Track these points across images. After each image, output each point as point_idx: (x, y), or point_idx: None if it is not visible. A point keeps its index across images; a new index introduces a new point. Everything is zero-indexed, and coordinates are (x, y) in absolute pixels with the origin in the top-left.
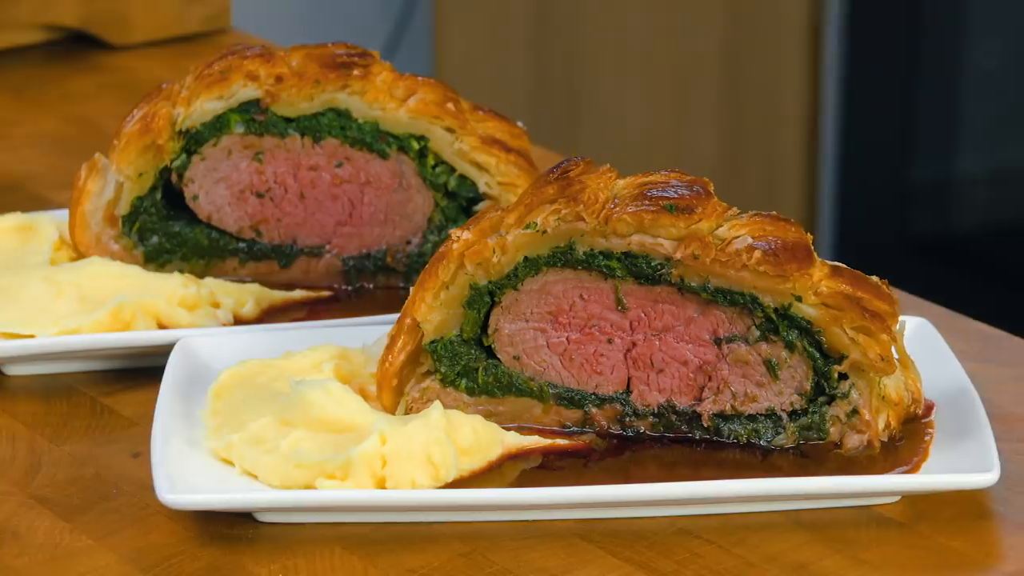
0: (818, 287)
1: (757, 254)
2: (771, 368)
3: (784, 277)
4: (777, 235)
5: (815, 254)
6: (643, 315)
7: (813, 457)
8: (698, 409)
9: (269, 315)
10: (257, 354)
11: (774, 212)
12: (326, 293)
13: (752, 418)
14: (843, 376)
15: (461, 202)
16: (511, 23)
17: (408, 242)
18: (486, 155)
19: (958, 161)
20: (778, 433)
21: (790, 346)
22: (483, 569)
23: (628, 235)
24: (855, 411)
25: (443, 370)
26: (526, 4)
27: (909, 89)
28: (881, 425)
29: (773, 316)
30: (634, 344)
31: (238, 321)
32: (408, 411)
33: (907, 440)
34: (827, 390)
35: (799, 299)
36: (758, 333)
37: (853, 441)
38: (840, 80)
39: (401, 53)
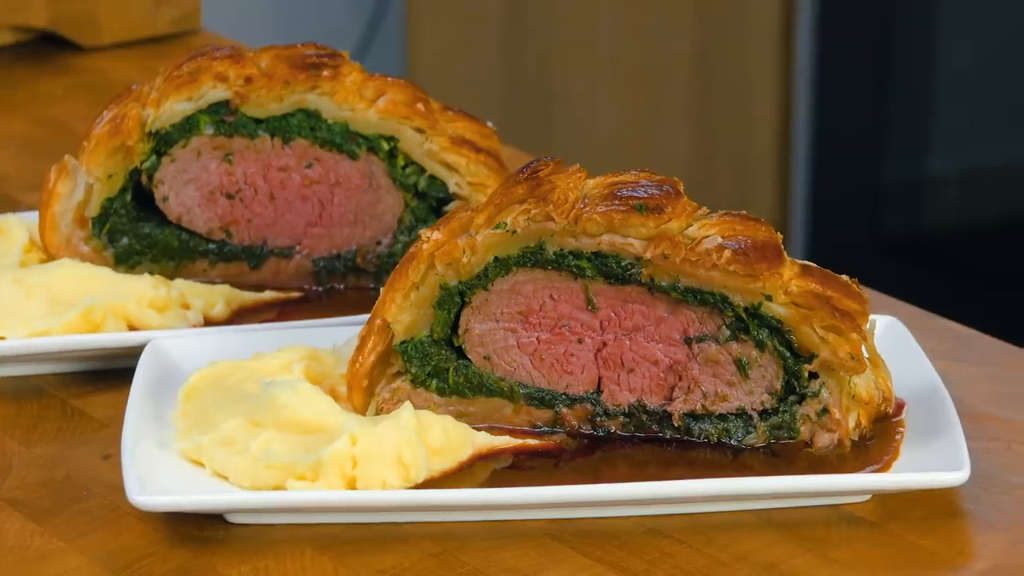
0: (788, 286)
1: (727, 253)
2: (741, 367)
3: (754, 276)
4: (747, 234)
5: (785, 253)
6: (613, 315)
7: (784, 456)
8: (669, 409)
9: (239, 316)
10: (227, 355)
11: (744, 212)
12: (296, 294)
13: (723, 417)
14: (813, 375)
15: (431, 202)
16: (483, 24)
17: (378, 243)
18: (456, 155)
19: (930, 161)
20: (749, 432)
21: (760, 345)
22: (454, 569)
23: (598, 235)
24: (825, 410)
25: (413, 371)
26: (498, 5)
27: (881, 89)
28: (851, 424)
29: (743, 315)
30: (604, 344)
31: (208, 322)
32: (379, 412)
33: (878, 439)
34: (797, 389)
35: (769, 298)
36: (728, 332)
37: (824, 440)
38: (812, 80)
39: (373, 54)
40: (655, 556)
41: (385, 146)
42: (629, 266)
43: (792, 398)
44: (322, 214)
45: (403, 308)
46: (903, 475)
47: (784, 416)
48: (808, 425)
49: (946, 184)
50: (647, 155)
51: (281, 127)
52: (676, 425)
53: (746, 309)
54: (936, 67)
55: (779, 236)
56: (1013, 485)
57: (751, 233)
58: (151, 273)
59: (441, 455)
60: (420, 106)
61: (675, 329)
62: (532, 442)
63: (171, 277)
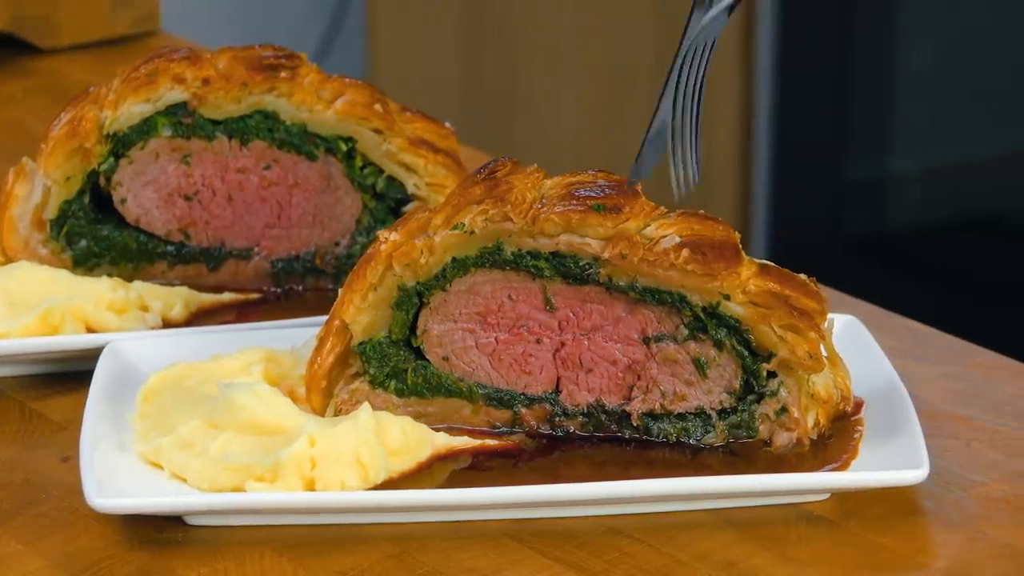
0: (746, 285)
1: (685, 253)
2: (700, 367)
3: (712, 276)
4: (705, 234)
5: (743, 252)
6: (571, 315)
7: (743, 455)
8: (627, 408)
9: (198, 318)
10: (186, 357)
11: (702, 211)
12: (255, 295)
13: (681, 417)
14: (772, 374)
15: (389, 203)
16: (444, 25)
17: (337, 244)
18: (414, 156)
19: (891, 160)
20: (707, 432)
21: (718, 345)
22: (413, 570)
23: (556, 235)
24: (784, 409)
25: (372, 371)
26: (459, 6)
27: (842, 89)
28: (810, 423)
29: (701, 315)
30: (563, 344)
31: (167, 324)
32: (337, 413)
33: (836, 437)
34: (756, 388)
35: (727, 297)
36: (686, 332)
37: (782, 439)
38: (773, 80)
39: (334, 55)
40: (614, 556)
41: (343, 147)
42: (587, 266)
43: (751, 397)
44: (280, 215)
45: (361, 309)
46: (862, 474)
47: (743, 415)
48: (767, 424)
49: (907, 183)
50: (608, 155)
51: (239, 128)
52: (635, 425)
53: (704, 308)
54: (897, 67)
55: (737, 235)
56: (972, 483)
57: (709, 232)
58: (109, 275)
59: (400, 456)
60: (378, 107)
61: (633, 329)
62: (491, 442)
63: (129, 279)
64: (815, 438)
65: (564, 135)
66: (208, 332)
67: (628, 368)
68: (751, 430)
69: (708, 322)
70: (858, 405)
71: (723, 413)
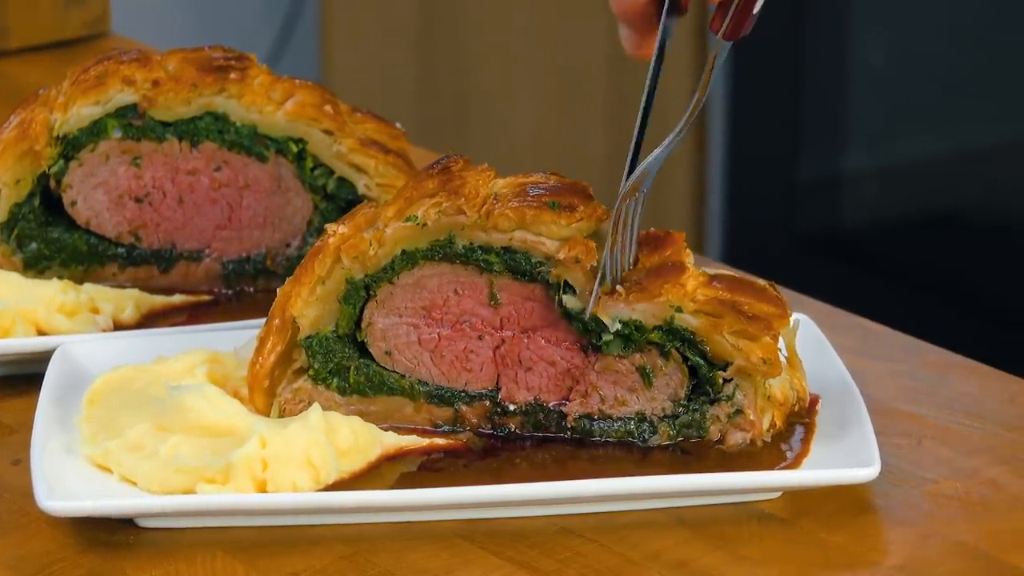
0: (694, 296)
1: (620, 290)
2: (645, 375)
3: (656, 294)
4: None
5: (688, 264)
6: (514, 312)
7: (694, 454)
8: (564, 410)
9: (149, 320)
10: (137, 359)
11: (652, 229)
12: (206, 297)
13: (623, 420)
14: (726, 379)
15: (340, 204)
16: (398, 26)
17: (287, 245)
18: (364, 157)
19: (846, 158)
20: (653, 433)
21: (665, 354)
22: (365, 571)
23: (509, 230)
24: (739, 411)
25: (316, 366)
26: (412, 7)
27: (795, 87)
28: (766, 424)
29: (654, 336)
30: (503, 341)
31: (118, 327)
32: (282, 413)
33: (788, 436)
34: (712, 394)
35: (679, 310)
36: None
37: (736, 438)
38: (726, 78)
39: (288, 56)
40: (566, 555)
41: (294, 148)
42: (539, 264)
43: (703, 399)
44: (231, 217)
45: (309, 303)
46: (813, 471)
47: (694, 415)
48: (718, 425)
49: (862, 181)
50: (563, 155)
51: (189, 130)
52: (571, 426)
53: (658, 327)
54: (850, 63)
55: (686, 252)
56: (923, 480)
57: (652, 256)
58: (60, 278)
59: (350, 456)
60: (328, 108)
61: (572, 334)
62: (439, 441)
63: (80, 282)
64: (770, 440)
65: (518, 136)
66: (159, 334)
67: (567, 371)
68: (701, 430)
69: (657, 336)
70: (813, 402)
71: (665, 418)
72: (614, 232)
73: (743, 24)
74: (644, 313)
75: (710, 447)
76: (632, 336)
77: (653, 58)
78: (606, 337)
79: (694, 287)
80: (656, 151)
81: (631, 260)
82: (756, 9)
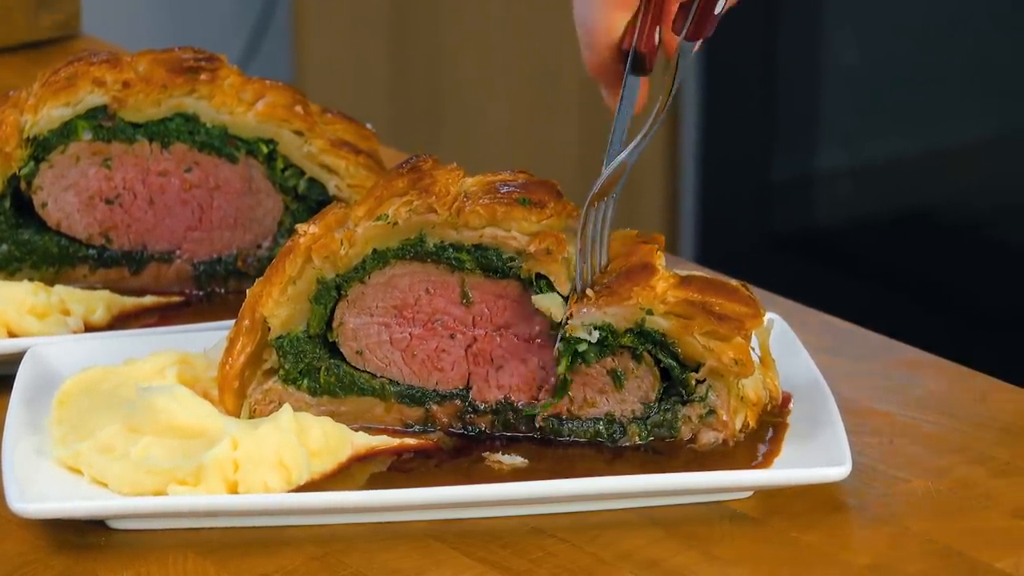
0: (664, 298)
1: (590, 293)
2: (616, 378)
3: (626, 297)
4: (615, 267)
5: (658, 266)
6: (486, 310)
7: (666, 453)
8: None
9: (120, 321)
10: (108, 361)
11: (628, 230)
12: (177, 298)
13: (594, 420)
14: (699, 380)
15: (311, 205)
16: (371, 26)
17: (259, 246)
18: (335, 157)
19: (820, 157)
20: (623, 434)
21: (637, 357)
22: (337, 572)
23: (480, 227)
24: (712, 412)
25: (287, 367)
26: (386, 7)
27: (768, 87)
28: (739, 425)
29: (626, 340)
30: (475, 339)
31: (89, 328)
32: (252, 414)
33: (760, 435)
34: (685, 396)
35: (650, 312)
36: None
37: (708, 437)
38: (699, 77)
39: (261, 57)
40: (538, 555)
41: (264, 149)
42: (510, 259)
43: (674, 399)
44: (202, 218)
45: (280, 303)
46: (785, 471)
47: (665, 415)
48: (689, 425)
49: (836, 180)
50: (537, 155)
51: (160, 131)
52: (539, 426)
53: (630, 330)
54: (822, 63)
55: (656, 254)
56: (895, 479)
57: (622, 262)
58: (31, 279)
59: (321, 456)
60: (299, 108)
61: (544, 329)
62: (411, 441)
63: (51, 283)
64: (743, 440)
65: (492, 135)
66: (130, 336)
67: (539, 367)
68: (673, 430)
69: (630, 339)
70: (785, 400)
71: (635, 420)
72: (583, 237)
73: (704, 26)
74: (615, 316)
75: (682, 446)
76: (606, 341)
77: (617, 110)
78: (582, 347)
79: (664, 289)
80: (622, 154)
81: (602, 264)
82: (718, 10)
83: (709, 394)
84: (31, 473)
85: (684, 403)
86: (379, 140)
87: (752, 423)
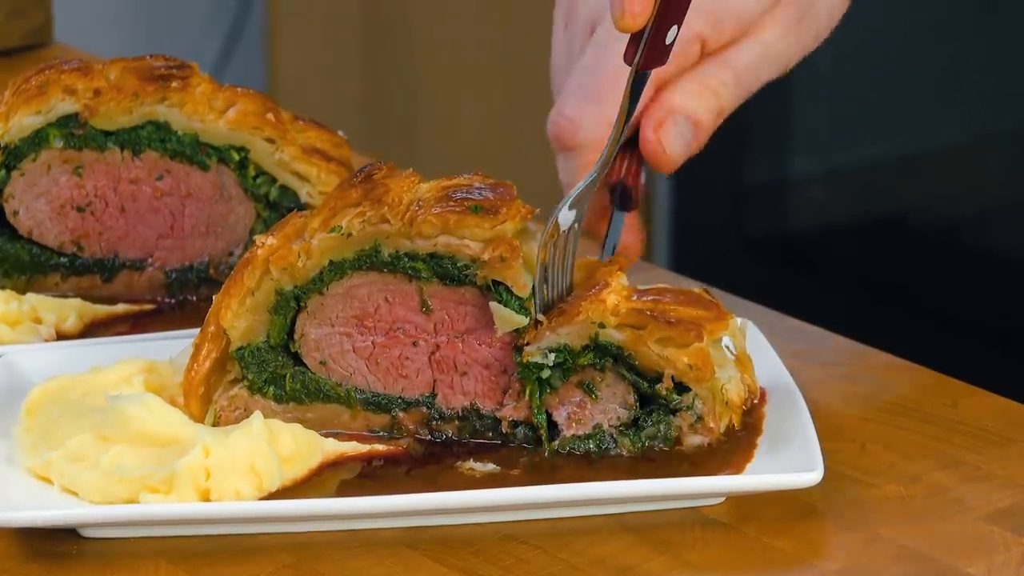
0: (616, 309)
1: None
2: (588, 390)
3: (575, 314)
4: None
5: (611, 282)
6: (447, 317)
7: (639, 458)
8: (499, 415)
9: (92, 329)
10: (80, 369)
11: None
12: (149, 306)
13: (585, 437)
14: (684, 388)
15: (282, 212)
16: (344, 34)
17: (231, 253)
18: (307, 165)
19: (793, 162)
20: (615, 446)
21: (601, 368)
22: None
23: (433, 236)
24: (700, 419)
25: (251, 377)
26: (359, 15)
27: None
28: (723, 428)
29: (577, 352)
30: (438, 347)
31: (61, 336)
32: (217, 420)
33: (731, 441)
34: (668, 406)
35: (602, 326)
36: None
37: (694, 440)
38: None
39: (234, 64)
40: (510, 562)
41: (236, 157)
42: (465, 267)
43: (661, 411)
44: (173, 226)
45: (239, 314)
46: (756, 477)
47: (659, 427)
48: (680, 434)
49: (809, 185)
50: (510, 163)
51: (131, 139)
52: (504, 432)
53: (586, 347)
54: (796, 68)
55: (615, 273)
56: (867, 485)
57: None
58: (2, 288)
59: (292, 463)
60: (270, 116)
61: (507, 335)
62: (380, 448)
63: (22, 291)
64: (725, 440)
65: (465, 142)
66: (102, 344)
67: (502, 372)
68: (667, 440)
69: (587, 356)
70: (763, 395)
71: (626, 428)
72: (541, 267)
73: (655, 55)
74: (569, 336)
75: (655, 449)
76: (565, 363)
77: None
78: (545, 374)
79: (615, 301)
80: (580, 184)
81: (564, 290)
82: (669, 40)
83: (696, 403)
84: (1, 482)
85: (673, 413)
86: (352, 147)
87: (736, 424)
